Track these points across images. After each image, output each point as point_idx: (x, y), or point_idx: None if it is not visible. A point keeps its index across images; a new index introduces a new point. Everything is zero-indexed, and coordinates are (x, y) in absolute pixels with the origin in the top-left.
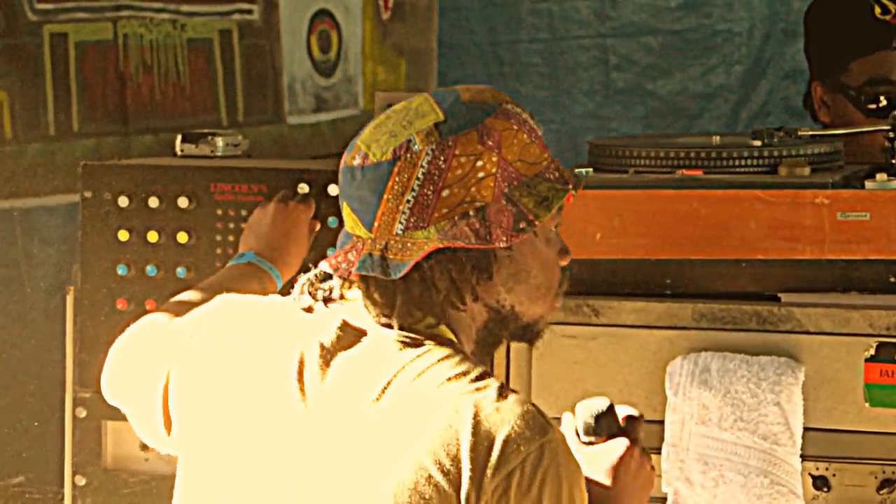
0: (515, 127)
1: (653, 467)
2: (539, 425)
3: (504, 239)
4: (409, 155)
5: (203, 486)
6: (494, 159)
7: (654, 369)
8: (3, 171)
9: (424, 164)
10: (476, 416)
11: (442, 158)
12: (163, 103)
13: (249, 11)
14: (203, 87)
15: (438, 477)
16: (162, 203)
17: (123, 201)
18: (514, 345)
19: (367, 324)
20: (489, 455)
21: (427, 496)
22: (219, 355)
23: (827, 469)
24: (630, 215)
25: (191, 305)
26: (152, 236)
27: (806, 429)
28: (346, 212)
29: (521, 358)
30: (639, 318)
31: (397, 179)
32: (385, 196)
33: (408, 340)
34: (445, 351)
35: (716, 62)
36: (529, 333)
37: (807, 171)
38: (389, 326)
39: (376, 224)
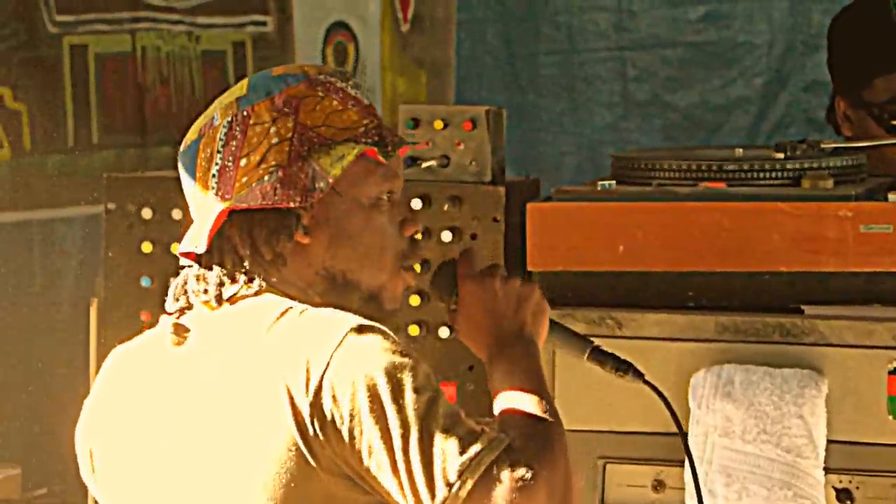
0: (321, 94)
1: (524, 283)
2: (362, 326)
3: (297, 199)
4: (210, 131)
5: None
6: (290, 124)
7: (678, 382)
8: (22, 183)
9: (223, 136)
10: (292, 340)
11: (238, 129)
12: (178, 115)
13: (263, 23)
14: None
15: (272, 406)
16: (186, 215)
17: (147, 213)
18: None
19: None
20: (299, 374)
21: (266, 426)
22: (114, 408)
23: (850, 482)
24: (653, 228)
25: None
26: (176, 248)
27: (829, 441)
28: (187, 198)
29: (545, 369)
30: (662, 331)
31: (203, 156)
32: (197, 174)
33: (240, 312)
34: (261, 298)
35: (736, 74)
36: (375, 304)
37: (830, 183)
38: (214, 300)
39: (196, 203)
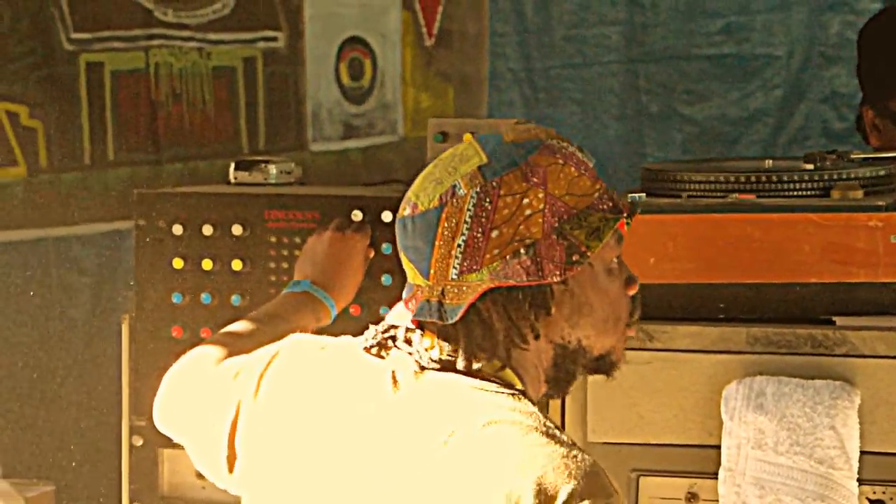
0: (561, 161)
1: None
2: (603, 486)
3: (557, 273)
4: (455, 200)
5: None
6: (541, 195)
7: (710, 394)
8: (38, 200)
9: (471, 206)
10: (543, 469)
11: (487, 200)
12: (191, 131)
13: (275, 39)
14: (226, 115)
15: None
16: (216, 231)
17: (178, 229)
18: None
19: (432, 368)
20: (554, 486)
21: None
22: (289, 400)
23: (884, 493)
24: (683, 239)
25: (244, 336)
26: (207, 264)
27: (862, 452)
28: (405, 263)
29: (576, 384)
30: (693, 343)
31: (446, 225)
32: (437, 242)
33: (476, 387)
34: (514, 401)
35: (754, 87)
36: (604, 365)
37: (860, 193)
38: (455, 370)
39: (432, 271)
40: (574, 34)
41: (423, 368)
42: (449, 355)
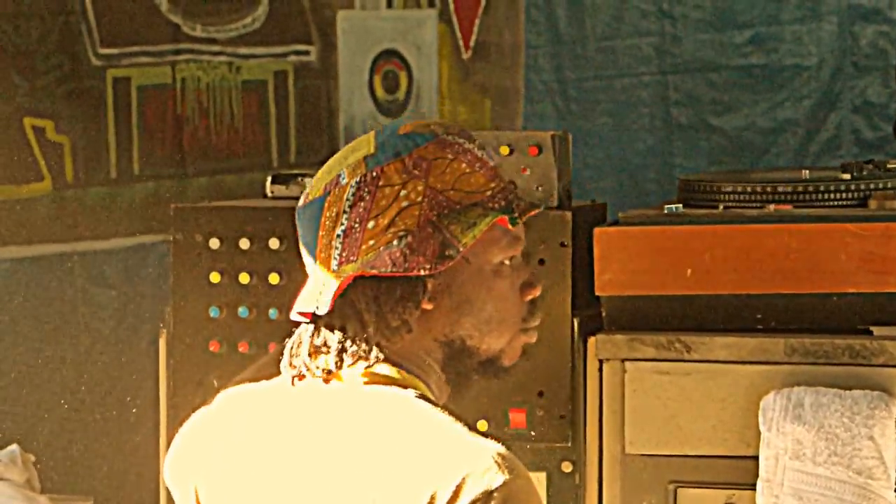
0: (450, 156)
1: None
2: (510, 464)
3: (427, 266)
4: (337, 189)
5: None
6: (420, 188)
7: (748, 404)
8: (64, 215)
9: (350, 196)
10: (447, 453)
11: (366, 190)
12: (217, 145)
13: (307, 53)
14: (255, 129)
15: None
16: (253, 244)
17: (214, 243)
18: (605, 382)
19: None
20: (451, 485)
21: None
22: (232, 455)
23: None
24: (720, 250)
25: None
26: (244, 278)
27: None
28: (303, 255)
29: (614, 394)
30: (731, 354)
31: (328, 215)
32: (320, 232)
33: (370, 390)
34: (401, 401)
35: (783, 97)
36: (492, 368)
37: None
38: (335, 374)
39: (317, 262)
40: (606, 46)
41: (327, 379)
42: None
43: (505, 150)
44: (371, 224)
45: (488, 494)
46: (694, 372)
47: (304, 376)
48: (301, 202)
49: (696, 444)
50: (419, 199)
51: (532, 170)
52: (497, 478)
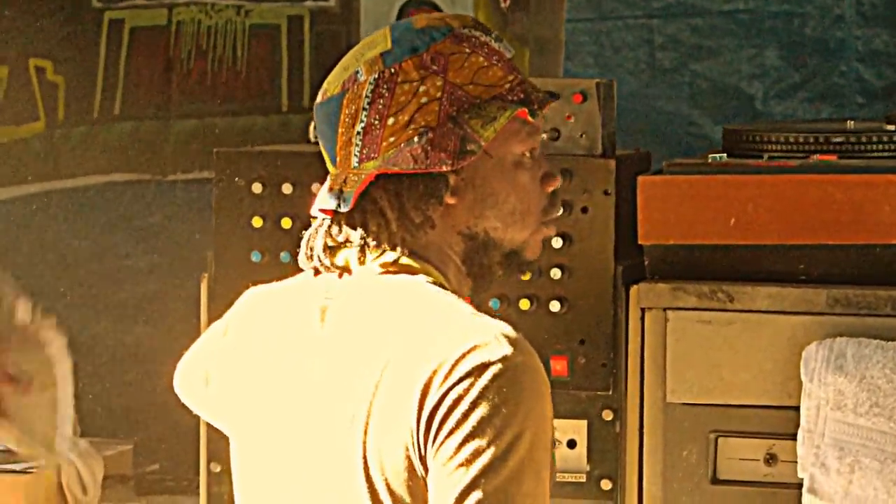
0: (468, 50)
1: None
2: (514, 342)
3: (449, 162)
4: (355, 86)
5: (254, 462)
6: (439, 83)
7: (789, 355)
8: (52, 154)
9: (368, 93)
10: (452, 328)
11: (385, 87)
12: (212, 88)
13: None
14: (261, 73)
15: (406, 381)
16: (295, 189)
17: (257, 188)
18: (647, 331)
19: (350, 270)
20: (451, 358)
21: (397, 406)
22: (247, 343)
23: None
24: (764, 201)
25: None
26: (286, 223)
27: None
28: (322, 151)
29: (656, 342)
30: (773, 304)
31: (347, 112)
32: (339, 129)
33: (382, 277)
34: (414, 286)
35: (771, 43)
36: (516, 259)
37: None
38: (359, 263)
39: (338, 159)
40: None
41: (341, 273)
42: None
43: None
44: (391, 120)
45: (484, 366)
46: (736, 321)
47: (319, 271)
48: (319, 99)
49: (737, 394)
50: (438, 94)
51: (576, 117)
52: (496, 352)
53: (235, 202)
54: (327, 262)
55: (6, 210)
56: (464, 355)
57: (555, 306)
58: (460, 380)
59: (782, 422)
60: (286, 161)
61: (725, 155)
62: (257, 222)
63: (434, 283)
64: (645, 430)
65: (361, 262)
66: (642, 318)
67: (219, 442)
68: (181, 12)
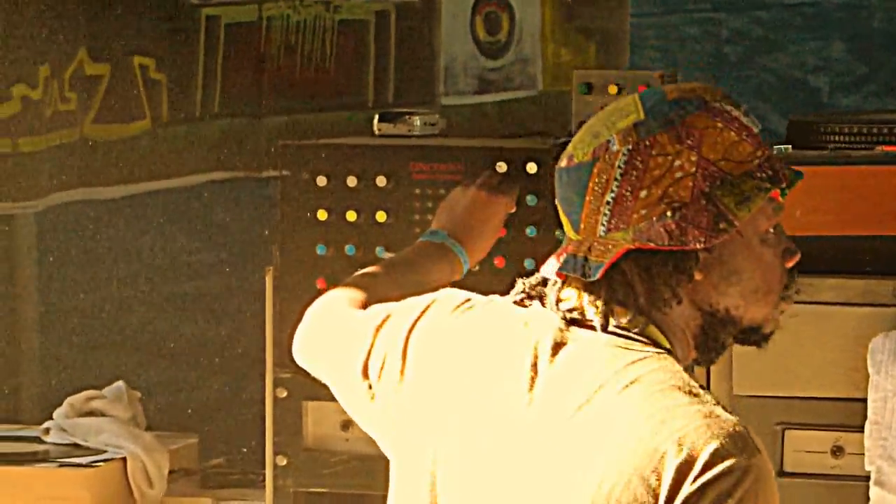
0: (720, 125)
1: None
2: (748, 447)
3: (702, 240)
4: (607, 155)
5: (420, 472)
6: (693, 158)
7: (855, 347)
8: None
9: (622, 164)
10: (685, 428)
11: (639, 159)
12: (301, 84)
13: None
14: (350, 68)
15: (639, 486)
16: (360, 182)
17: (322, 180)
18: None
19: (578, 327)
20: (692, 467)
21: (631, 482)
22: (437, 356)
23: None
24: (829, 192)
25: (384, 281)
26: (351, 215)
27: None
28: (561, 215)
29: None
30: (839, 296)
31: (597, 180)
32: (587, 197)
33: (621, 345)
34: (658, 361)
35: (834, 36)
36: (754, 336)
37: None
38: (601, 328)
39: (582, 226)
40: None
41: (568, 325)
42: (595, 313)
43: (613, 89)
44: (643, 193)
45: (747, 467)
46: (802, 313)
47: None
48: (564, 163)
49: (803, 386)
50: (693, 169)
51: None
52: (755, 454)
53: (300, 195)
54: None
55: (106, 209)
56: (722, 447)
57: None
58: (722, 474)
59: (849, 414)
60: (351, 154)
61: (790, 147)
62: (322, 215)
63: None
64: None
65: (604, 329)
66: None
67: (285, 435)
68: (270, 8)
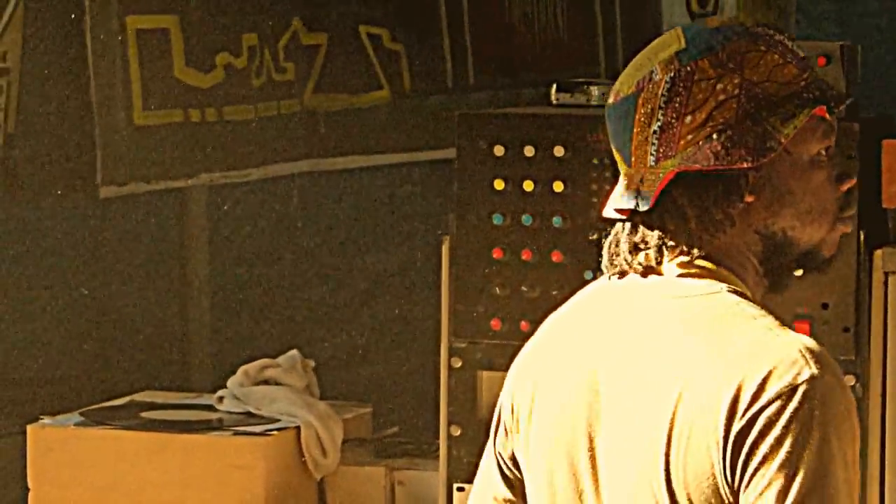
0: (763, 48)
1: None
2: (819, 359)
3: (749, 159)
4: (651, 85)
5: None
6: (736, 81)
7: None
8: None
9: (665, 92)
10: (755, 345)
11: (681, 85)
12: (543, 56)
13: None
14: (582, 40)
15: (708, 422)
16: (538, 152)
17: (499, 150)
18: (891, 296)
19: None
20: (757, 377)
21: (701, 423)
22: (547, 371)
23: None
24: None
25: None
26: (528, 185)
27: None
28: (614, 152)
29: None
30: None
31: (642, 111)
32: (635, 129)
33: (683, 283)
34: (722, 291)
35: None
36: (814, 259)
37: None
38: (656, 269)
39: (633, 158)
40: None
41: (646, 273)
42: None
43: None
44: (688, 119)
45: (793, 388)
46: None
47: (625, 273)
48: (611, 100)
49: None
50: (736, 91)
51: None
52: (804, 372)
53: (478, 164)
54: (634, 263)
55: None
56: (770, 374)
57: (798, 270)
58: (769, 402)
59: None
60: (528, 123)
61: None
62: (499, 185)
63: (732, 290)
64: (888, 396)
65: (658, 263)
66: (885, 283)
67: (459, 405)
68: None
